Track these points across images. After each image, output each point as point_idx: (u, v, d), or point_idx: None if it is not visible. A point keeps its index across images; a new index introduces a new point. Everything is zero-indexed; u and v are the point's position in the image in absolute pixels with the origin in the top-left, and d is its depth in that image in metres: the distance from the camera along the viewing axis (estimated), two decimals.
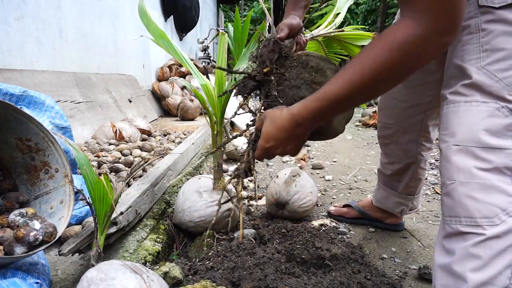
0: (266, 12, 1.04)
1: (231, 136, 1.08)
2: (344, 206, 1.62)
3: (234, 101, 3.47)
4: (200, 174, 2.03)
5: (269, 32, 1.01)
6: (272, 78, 0.87)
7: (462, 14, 0.63)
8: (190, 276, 1.05)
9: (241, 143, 2.53)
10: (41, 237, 0.86)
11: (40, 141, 0.99)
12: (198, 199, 1.30)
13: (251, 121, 0.96)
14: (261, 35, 0.93)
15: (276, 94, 0.86)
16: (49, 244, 0.88)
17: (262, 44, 0.90)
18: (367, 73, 0.67)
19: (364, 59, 0.68)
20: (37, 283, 0.82)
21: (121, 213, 1.09)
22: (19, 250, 0.83)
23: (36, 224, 0.88)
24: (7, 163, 1.01)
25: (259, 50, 0.90)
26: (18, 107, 1.18)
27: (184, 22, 5.60)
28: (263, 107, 0.91)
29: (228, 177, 1.94)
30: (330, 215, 1.63)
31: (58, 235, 0.91)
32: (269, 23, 0.98)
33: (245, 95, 0.92)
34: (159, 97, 4.29)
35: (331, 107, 0.73)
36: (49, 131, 0.99)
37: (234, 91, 0.92)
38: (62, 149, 1.01)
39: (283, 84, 0.88)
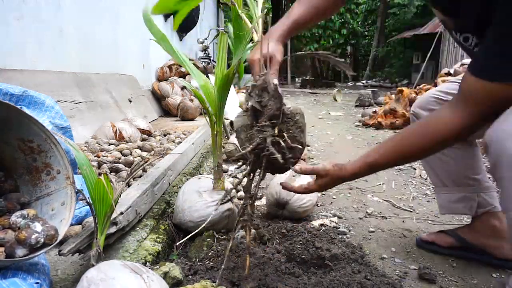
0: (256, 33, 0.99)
1: (230, 136, 1.08)
2: (439, 232, 1.36)
3: (233, 101, 3.47)
4: (200, 174, 2.03)
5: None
6: (281, 141, 0.87)
7: (507, 105, 0.72)
8: (190, 276, 1.05)
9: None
10: (42, 240, 0.86)
11: (42, 143, 0.99)
12: (198, 199, 1.30)
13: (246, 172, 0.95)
14: (257, 77, 0.90)
15: (286, 155, 0.88)
16: (50, 246, 0.88)
17: (265, 92, 0.88)
18: (408, 156, 0.90)
19: (409, 146, 0.88)
20: (37, 283, 0.82)
21: (121, 213, 1.09)
22: (20, 252, 0.83)
23: (38, 226, 0.88)
24: (9, 164, 1.01)
25: (262, 98, 0.88)
26: (18, 107, 1.18)
27: (184, 22, 5.60)
28: (264, 164, 0.91)
29: (228, 178, 1.93)
30: (420, 243, 1.38)
31: (60, 237, 0.91)
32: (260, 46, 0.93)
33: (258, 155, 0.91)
34: (159, 97, 4.29)
35: (370, 172, 0.96)
36: (52, 132, 0.99)
37: (250, 156, 0.91)
38: (64, 151, 1.01)
39: (286, 144, 0.89)
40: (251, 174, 0.95)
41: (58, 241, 0.90)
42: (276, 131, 0.88)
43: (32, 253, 0.85)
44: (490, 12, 0.71)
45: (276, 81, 0.88)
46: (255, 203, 1.74)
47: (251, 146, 0.89)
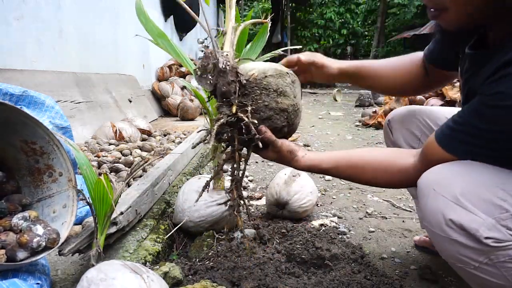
0: (206, 27, 0.93)
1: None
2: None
3: None
4: (200, 174, 2.03)
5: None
6: (244, 117, 0.82)
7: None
8: (190, 276, 1.05)
9: None
10: (44, 243, 0.86)
11: (45, 145, 1.00)
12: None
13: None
14: (208, 54, 0.84)
15: (251, 130, 0.83)
16: (52, 250, 0.88)
17: (216, 71, 0.82)
18: (356, 180, 0.95)
19: (361, 173, 0.92)
20: (38, 284, 0.82)
21: (121, 213, 1.09)
22: (21, 255, 0.83)
23: (39, 229, 0.88)
24: (11, 165, 1.01)
25: (215, 78, 0.83)
26: (18, 107, 1.18)
27: (184, 22, 5.60)
28: (237, 144, 0.87)
29: (227, 179, 1.94)
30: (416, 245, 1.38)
31: (61, 241, 0.91)
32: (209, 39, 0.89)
33: (220, 139, 0.87)
34: (159, 97, 4.29)
35: (328, 175, 0.99)
36: (54, 133, 0.98)
37: (212, 141, 0.83)
38: (67, 154, 1.01)
39: (253, 116, 0.85)
40: (235, 158, 0.90)
41: (59, 244, 0.90)
42: (234, 109, 0.81)
43: (33, 256, 0.85)
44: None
45: (223, 57, 0.82)
46: (255, 203, 1.74)
47: (207, 138, 0.84)
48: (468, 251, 0.69)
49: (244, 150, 0.93)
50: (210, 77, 0.83)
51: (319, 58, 1.04)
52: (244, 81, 0.84)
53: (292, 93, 0.91)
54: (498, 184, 0.69)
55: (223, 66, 0.80)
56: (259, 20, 1.10)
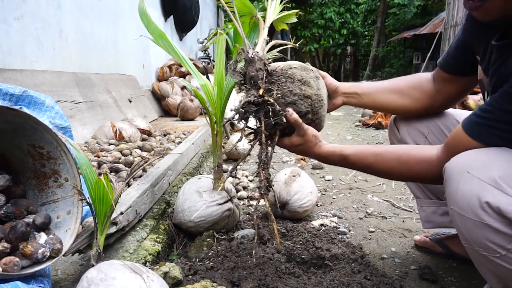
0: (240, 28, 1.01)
1: (230, 136, 1.10)
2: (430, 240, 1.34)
3: (234, 100, 3.47)
4: (200, 174, 2.03)
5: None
6: (270, 99, 0.89)
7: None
8: (190, 276, 1.05)
9: (240, 143, 2.53)
10: (48, 254, 0.86)
11: (53, 150, 0.99)
12: (198, 199, 1.30)
13: (253, 139, 0.98)
14: (240, 51, 0.95)
15: (278, 112, 0.90)
16: (55, 259, 0.87)
17: (246, 62, 0.92)
18: (377, 171, 0.95)
19: (382, 163, 0.93)
20: (40, 287, 0.82)
21: (121, 213, 1.09)
22: (24, 262, 0.83)
23: (42, 237, 0.88)
24: (17, 167, 1.01)
25: (246, 68, 0.92)
26: (18, 107, 1.18)
27: (184, 22, 5.60)
28: (263, 126, 0.93)
29: (229, 178, 1.94)
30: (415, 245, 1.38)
31: (64, 249, 0.90)
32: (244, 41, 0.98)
33: (246, 119, 0.95)
34: (159, 97, 4.29)
35: (338, 164, 1.00)
36: (61, 137, 0.98)
37: (236, 117, 0.93)
38: (74, 160, 1.00)
39: (279, 101, 0.92)
40: (261, 142, 0.95)
41: (62, 254, 0.90)
42: (261, 91, 0.89)
43: (36, 265, 0.84)
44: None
45: (253, 50, 0.91)
46: (256, 203, 1.74)
47: (234, 111, 0.91)
48: (499, 237, 0.68)
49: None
50: (241, 70, 0.93)
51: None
52: (271, 70, 0.93)
53: (315, 85, 0.98)
54: None
55: (252, 56, 0.90)
56: (287, 42, 1.24)
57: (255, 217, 0.98)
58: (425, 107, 1.13)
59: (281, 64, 0.97)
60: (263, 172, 0.96)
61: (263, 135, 0.93)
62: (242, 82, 0.94)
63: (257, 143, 0.96)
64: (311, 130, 0.97)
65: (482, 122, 0.75)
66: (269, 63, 0.95)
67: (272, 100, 0.89)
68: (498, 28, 0.82)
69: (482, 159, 0.72)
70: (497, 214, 0.67)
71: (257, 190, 0.97)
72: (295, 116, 0.92)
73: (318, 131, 1.01)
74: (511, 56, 0.73)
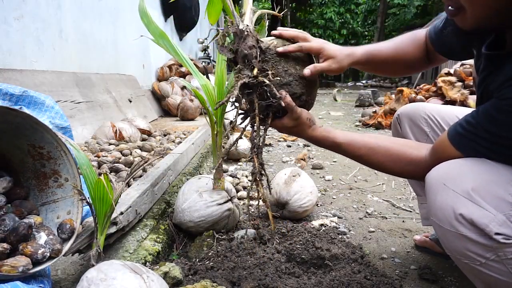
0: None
1: (230, 136, 1.08)
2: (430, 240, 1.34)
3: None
4: (200, 174, 2.03)
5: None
6: (265, 80, 0.84)
7: None
8: (190, 276, 1.05)
9: (240, 143, 2.53)
10: (48, 254, 0.85)
11: (53, 150, 0.99)
12: (198, 199, 1.30)
13: (247, 124, 0.94)
14: (228, 23, 0.88)
15: (275, 94, 0.85)
16: (54, 260, 0.87)
17: (237, 37, 0.85)
18: (367, 162, 0.96)
19: (373, 155, 0.94)
20: (40, 287, 0.81)
21: (121, 213, 1.09)
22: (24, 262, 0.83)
23: (42, 237, 0.88)
24: (17, 167, 1.01)
25: (236, 44, 0.86)
26: (18, 107, 1.18)
27: (184, 22, 5.60)
28: (257, 109, 0.89)
29: (229, 178, 1.93)
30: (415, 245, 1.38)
31: (64, 250, 0.90)
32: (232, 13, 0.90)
33: (241, 101, 0.90)
34: (159, 97, 4.29)
35: (329, 148, 0.98)
36: (63, 140, 0.98)
37: (231, 100, 0.88)
38: (75, 161, 1.00)
39: (273, 82, 0.87)
40: (253, 123, 0.91)
41: (62, 254, 0.90)
42: (255, 71, 0.83)
43: (36, 266, 0.84)
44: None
45: (244, 24, 0.85)
46: (255, 203, 1.74)
47: (228, 97, 0.85)
48: (476, 247, 0.69)
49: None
50: (231, 46, 0.87)
51: (327, 51, 0.96)
52: (264, 48, 0.87)
53: (310, 64, 0.93)
54: (509, 181, 0.69)
55: (243, 30, 0.84)
56: (273, 12, 1.12)
57: (247, 200, 0.96)
58: (417, 67, 1.13)
59: (274, 41, 0.91)
60: (257, 156, 0.92)
61: (257, 118, 0.88)
62: (232, 61, 0.88)
63: (249, 126, 0.92)
64: (305, 113, 0.93)
65: (465, 134, 0.76)
66: (261, 39, 0.89)
67: (268, 82, 0.84)
68: (488, 33, 0.81)
69: (457, 171, 0.74)
70: (471, 225, 0.68)
71: (251, 176, 0.94)
72: (288, 99, 0.88)
73: (309, 110, 0.98)
74: (497, 69, 0.73)
